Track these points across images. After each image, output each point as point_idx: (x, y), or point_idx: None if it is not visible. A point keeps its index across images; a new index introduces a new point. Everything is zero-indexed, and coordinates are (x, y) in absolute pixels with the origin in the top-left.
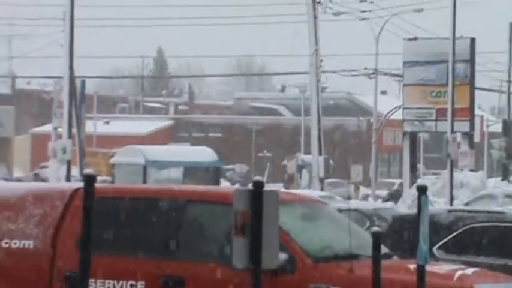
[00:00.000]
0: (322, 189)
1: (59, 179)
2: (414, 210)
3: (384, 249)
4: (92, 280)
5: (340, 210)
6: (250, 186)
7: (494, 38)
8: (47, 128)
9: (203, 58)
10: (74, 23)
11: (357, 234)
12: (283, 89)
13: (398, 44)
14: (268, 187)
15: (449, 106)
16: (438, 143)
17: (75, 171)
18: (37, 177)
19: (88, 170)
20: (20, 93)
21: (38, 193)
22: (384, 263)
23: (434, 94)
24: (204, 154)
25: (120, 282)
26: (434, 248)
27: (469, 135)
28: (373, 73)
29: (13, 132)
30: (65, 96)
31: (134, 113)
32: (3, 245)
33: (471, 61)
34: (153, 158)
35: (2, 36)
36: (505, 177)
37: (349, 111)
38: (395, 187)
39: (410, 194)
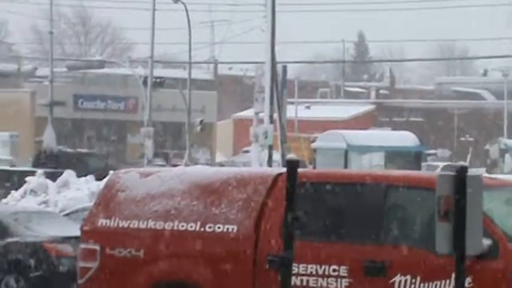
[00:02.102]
0: None
1: (261, 164)
2: None
3: None
4: (294, 264)
5: None
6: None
7: None
8: (249, 113)
9: (404, 42)
10: (275, 8)
11: None
12: (485, 73)
13: None
14: (471, 172)
15: None
16: None
17: (276, 156)
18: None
19: (291, 155)
20: (222, 78)
21: (241, 178)
22: None
23: None
24: (406, 139)
25: (323, 267)
26: None
27: None
28: None
29: (215, 118)
30: (266, 82)
31: (335, 97)
32: (207, 229)
33: None
34: (354, 142)
35: (204, 22)
36: None
37: None
38: None
39: None
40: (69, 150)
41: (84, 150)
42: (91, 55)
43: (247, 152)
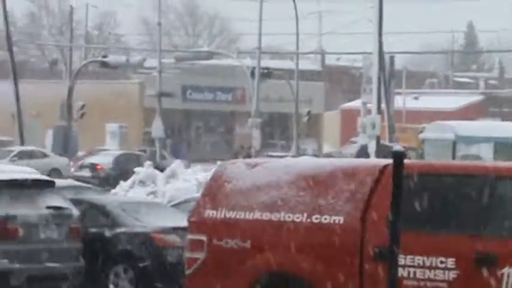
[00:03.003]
0: None
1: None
2: None
3: None
4: (401, 256)
5: None
6: None
7: None
8: (356, 103)
9: None
10: None
11: None
12: None
13: None
14: None
15: None
16: None
17: None
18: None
19: (397, 147)
20: (330, 69)
21: (348, 169)
22: None
23: None
24: None
25: (430, 259)
26: None
27: None
28: None
29: (323, 108)
30: (374, 72)
31: (443, 88)
32: (314, 220)
33: None
34: (462, 133)
35: (311, 12)
36: None
37: None
38: None
39: None
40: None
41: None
42: (199, 46)
43: (354, 142)
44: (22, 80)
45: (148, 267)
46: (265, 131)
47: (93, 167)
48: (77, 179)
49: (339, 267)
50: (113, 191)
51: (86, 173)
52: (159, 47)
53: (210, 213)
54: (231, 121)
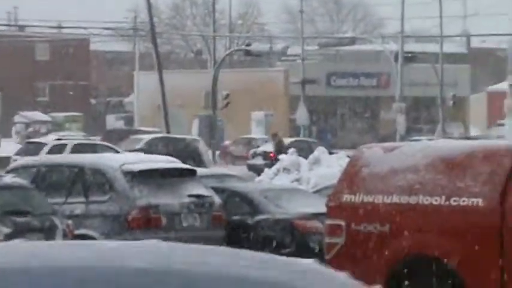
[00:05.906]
0: None
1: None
2: None
3: None
4: None
5: None
6: None
7: None
8: (503, 85)
9: None
10: None
11: None
12: None
13: None
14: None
15: None
16: None
17: None
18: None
19: None
20: (475, 51)
21: (485, 150)
22: None
23: None
24: None
25: None
26: None
27: None
28: None
29: (468, 91)
30: None
31: None
32: (452, 203)
33: None
34: None
35: None
36: None
37: None
38: None
39: None
40: None
41: None
42: (343, 32)
43: (502, 125)
44: (167, 70)
45: (291, 254)
46: (410, 116)
47: (266, 154)
48: (250, 166)
49: (478, 249)
50: (258, 178)
51: (259, 160)
52: (301, 34)
53: (347, 197)
54: (375, 106)
